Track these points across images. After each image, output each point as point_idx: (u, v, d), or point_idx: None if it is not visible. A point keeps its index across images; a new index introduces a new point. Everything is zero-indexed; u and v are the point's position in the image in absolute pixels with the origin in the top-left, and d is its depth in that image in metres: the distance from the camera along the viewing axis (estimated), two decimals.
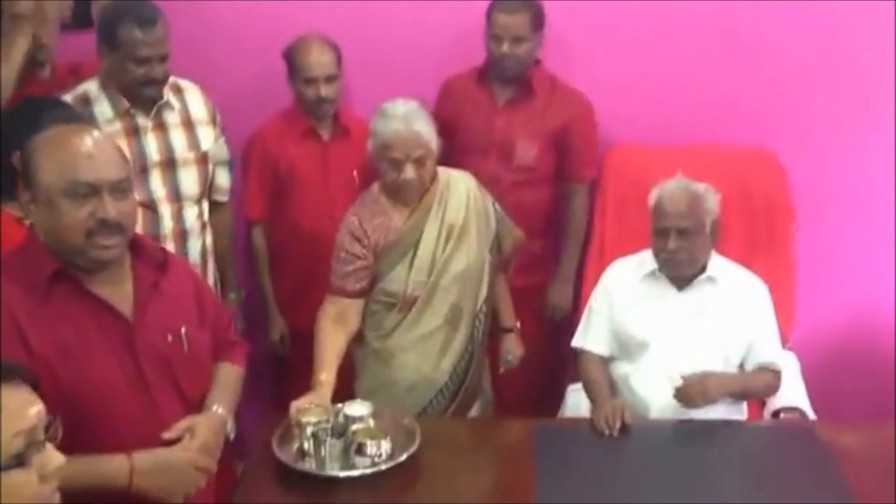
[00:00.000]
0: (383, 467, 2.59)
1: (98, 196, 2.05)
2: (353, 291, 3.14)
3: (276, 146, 3.67)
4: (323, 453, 2.59)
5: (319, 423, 2.64)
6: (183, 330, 2.25)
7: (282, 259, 3.79)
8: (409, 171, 3.03)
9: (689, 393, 2.93)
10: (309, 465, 2.62)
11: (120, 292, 2.17)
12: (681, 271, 3.11)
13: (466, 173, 3.28)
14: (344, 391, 3.04)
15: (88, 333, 2.10)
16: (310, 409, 2.71)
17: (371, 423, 2.69)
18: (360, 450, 2.60)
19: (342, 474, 2.59)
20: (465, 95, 3.76)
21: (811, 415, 3.31)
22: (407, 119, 3.03)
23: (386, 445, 2.62)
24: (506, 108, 3.72)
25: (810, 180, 3.93)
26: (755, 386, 3.18)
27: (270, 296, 3.80)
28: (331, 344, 3.07)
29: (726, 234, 3.34)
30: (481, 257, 3.22)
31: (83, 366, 2.07)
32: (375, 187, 3.18)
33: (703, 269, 3.12)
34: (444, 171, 3.21)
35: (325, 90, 3.57)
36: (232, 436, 2.43)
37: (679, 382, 2.96)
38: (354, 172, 3.65)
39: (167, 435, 2.17)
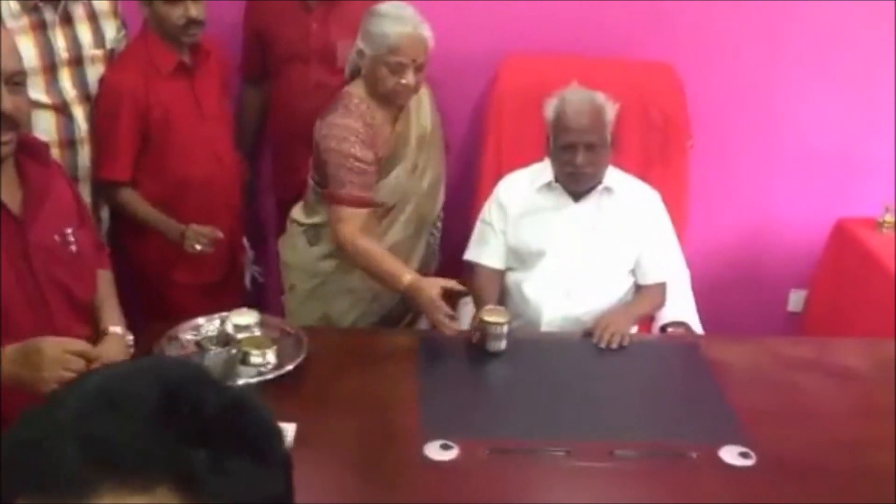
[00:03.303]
0: (269, 377, 2.56)
1: None
2: (370, 200, 3.00)
3: (143, 92, 3.16)
4: (207, 362, 2.55)
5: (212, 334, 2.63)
6: (69, 230, 2.21)
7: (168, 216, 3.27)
8: (411, 77, 2.93)
9: (604, 336, 2.92)
10: None
11: (9, 190, 2.10)
12: (586, 185, 3.11)
13: (426, 86, 3.20)
14: None
15: None
16: (242, 311, 2.69)
17: (257, 332, 2.66)
18: (245, 359, 2.57)
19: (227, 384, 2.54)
20: (274, 5, 3.59)
21: (698, 329, 3.36)
22: (416, 23, 2.92)
23: (272, 355, 2.60)
24: (319, 9, 3.54)
25: (707, 96, 3.94)
26: (651, 307, 3.24)
27: (162, 217, 3.24)
28: (383, 253, 2.97)
29: (623, 148, 3.35)
30: (440, 169, 3.23)
31: None
32: (354, 93, 3.01)
33: (599, 180, 3.13)
34: None
35: (195, 9, 3.12)
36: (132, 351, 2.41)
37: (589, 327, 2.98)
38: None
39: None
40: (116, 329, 2.36)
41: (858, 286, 3.68)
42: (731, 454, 2.38)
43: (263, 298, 3.72)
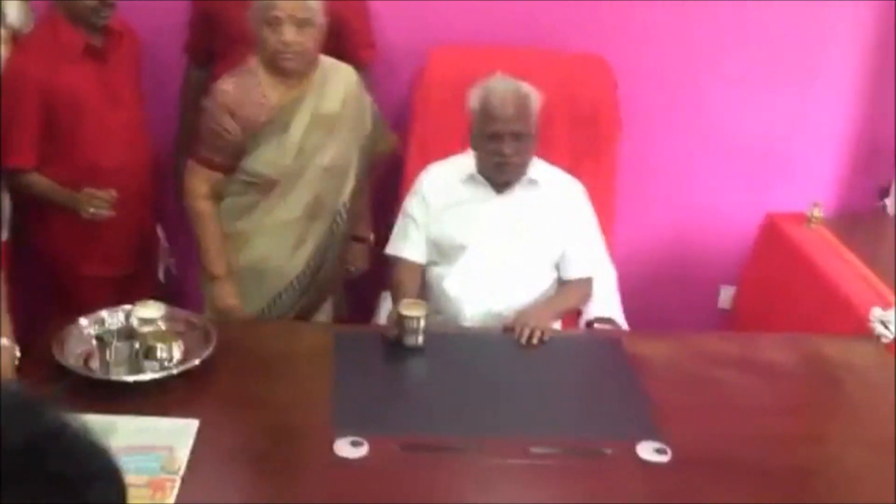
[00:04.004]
0: (174, 372, 2.46)
1: None
2: (221, 165, 3.02)
3: (48, 76, 3.05)
4: (108, 357, 2.45)
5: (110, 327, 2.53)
6: None
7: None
8: (289, 33, 2.88)
9: (524, 332, 2.85)
10: (103, 372, 2.46)
11: None
12: (512, 176, 3.05)
13: (350, 68, 3.15)
14: None
15: None
16: (148, 304, 2.59)
17: (162, 325, 2.55)
18: (149, 353, 2.47)
19: (129, 379, 2.43)
20: None
21: (624, 325, 3.33)
22: None
23: (177, 349, 2.51)
24: None
25: (639, 90, 3.90)
26: (574, 302, 3.19)
27: (58, 188, 3.13)
28: (216, 232, 3.05)
29: (551, 140, 3.30)
30: (349, 154, 3.12)
31: None
32: (253, 60, 3.01)
33: (524, 172, 3.07)
34: (326, 59, 3.08)
35: None
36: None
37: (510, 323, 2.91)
38: None
39: None
40: (3, 341, 2.25)
41: (786, 282, 3.66)
42: (647, 450, 2.33)
43: (180, 292, 3.61)
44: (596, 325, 3.26)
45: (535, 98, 3.00)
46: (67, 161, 3.13)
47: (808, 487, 2.26)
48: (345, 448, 2.27)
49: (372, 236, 3.40)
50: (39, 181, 3.12)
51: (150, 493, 2.05)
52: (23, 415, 0.72)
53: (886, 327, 2.86)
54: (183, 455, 2.18)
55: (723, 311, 4.26)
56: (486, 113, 2.97)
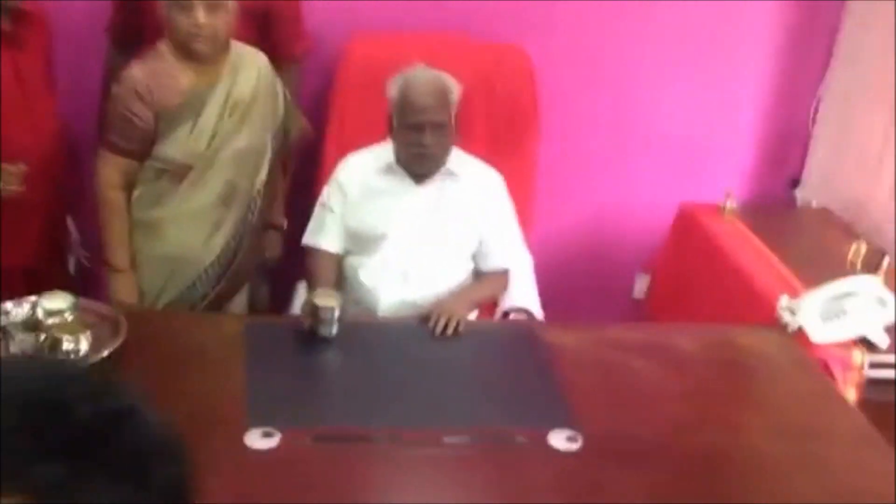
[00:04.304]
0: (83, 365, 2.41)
1: None
2: (133, 152, 2.99)
3: None
4: (12, 349, 2.39)
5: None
6: None
7: None
8: (201, 16, 2.83)
9: (439, 321, 2.84)
10: None
11: None
12: (431, 167, 3.04)
13: (260, 53, 3.11)
14: None
15: None
16: (55, 295, 2.52)
17: (69, 317, 2.50)
18: (55, 346, 2.41)
19: None
20: None
21: (540, 316, 3.34)
22: None
23: (85, 341, 2.45)
24: None
25: (558, 80, 3.93)
26: (490, 293, 3.20)
27: None
28: (122, 224, 3.03)
29: (469, 131, 3.31)
30: (263, 139, 3.10)
31: None
32: (162, 45, 2.97)
33: (443, 163, 3.07)
34: (237, 45, 3.05)
35: None
36: None
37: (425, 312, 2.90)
38: None
39: None
40: None
41: (698, 271, 3.70)
42: (558, 439, 2.34)
43: (92, 284, 3.53)
44: (512, 316, 3.28)
45: (455, 89, 3.00)
46: None
47: (716, 473, 2.30)
48: (256, 439, 2.26)
49: (285, 223, 3.38)
50: None
51: None
52: (92, 391, 0.72)
53: (793, 316, 2.90)
54: None
55: (637, 301, 4.31)
56: (406, 103, 2.96)
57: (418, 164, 3.03)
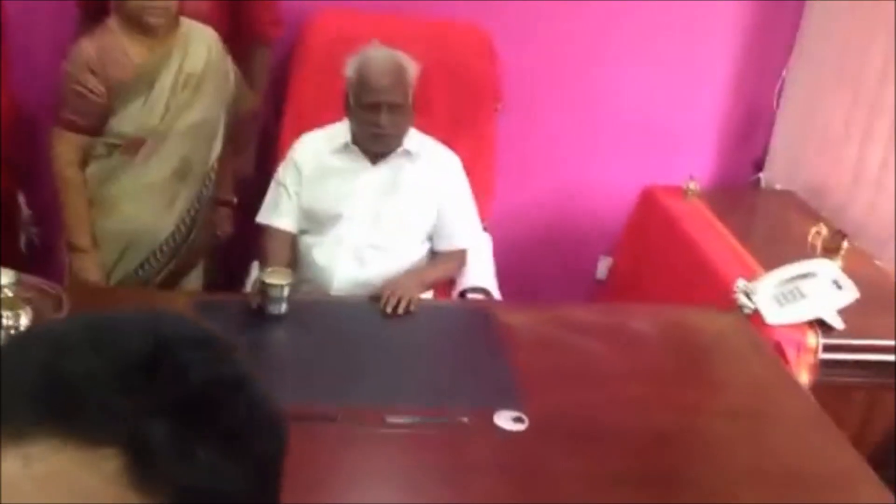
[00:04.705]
0: None
1: None
2: (87, 127, 2.97)
3: None
4: None
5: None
6: None
7: None
8: None
9: (391, 300, 2.81)
10: None
11: None
12: (388, 147, 3.01)
13: (210, 29, 3.09)
14: None
15: None
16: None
17: (9, 292, 2.46)
18: None
19: None
20: None
21: (497, 295, 3.32)
22: None
23: (24, 317, 2.41)
24: None
25: (520, 61, 3.89)
26: (445, 273, 3.17)
27: None
28: (81, 202, 3.01)
29: (429, 110, 3.28)
30: (216, 114, 3.09)
31: None
32: (111, 20, 2.95)
33: (399, 143, 3.04)
34: (186, 21, 3.03)
35: None
36: None
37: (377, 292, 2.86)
38: None
39: None
40: None
41: (660, 253, 3.68)
42: (504, 419, 2.32)
43: (43, 262, 3.48)
44: (469, 296, 3.25)
45: (412, 69, 2.97)
46: None
47: (663, 453, 2.27)
48: None
49: (235, 200, 3.36)
50: None
51: None
52: (212, 356, 0.70)
53: (749, 298, 2.88)
54: None
55: (600, 282, 4.28)
56: (363, 83, 2.92)
57: (374, 143, 3.00)
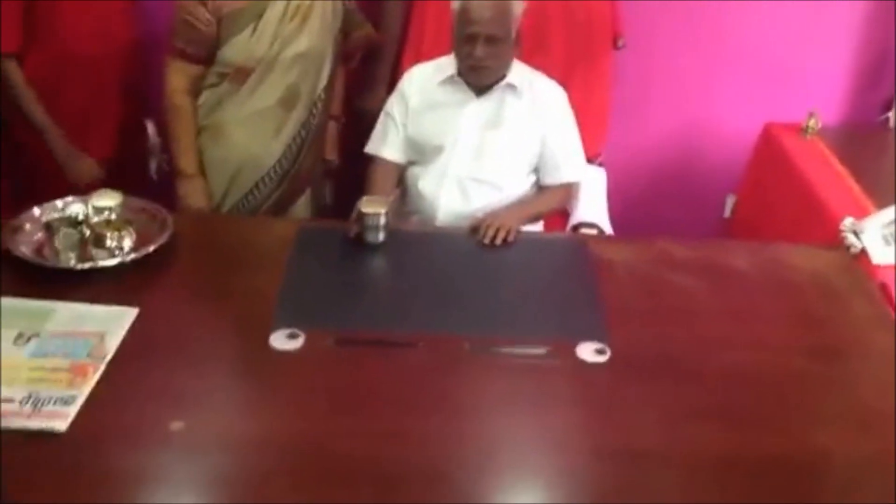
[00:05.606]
0: (123, 260, 2.49)
1: None
2: (197, 56, 3.06)
3: None
4: (56, 244, 2.49)
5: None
6: None
7: (50, 97, 3.22)
8: None
9: (489, 232, 2.84)
10: (53, 260, 2.49)
11: None
12: (485, 79, 3.03)
13: None
14: None
15: None
16: (104, 193, 2.63)
17: (114, 215, 2.58)
18: (99, 242, 2.50)
19: (78, 266, 2.47)
20: None
21: (609, 230, 3.31)
22: None
23: (128, 238, 2.53)
24: None
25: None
26: (548, 206, 3.17)
27: (55, 131, 3.24)
28: (189, 128, 3.12)
29: (544, 47, 3.26)
30: (323, 42, 3.15)
31: None
32: None
33: (503, 76, 3.04)
34: None
35: None
36: None
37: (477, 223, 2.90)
38: None
39: None
40: None
41: (777, 191, 3.59)
42: (587, 351, 2.32)
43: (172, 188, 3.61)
44: (582, 230, 3.24)
45: (517, 3, 2.96)
46: (43, 49, 3.16)
47: (743, 391, 2.22)
48: (280, 340, 2.30)
49: (343, 118, 3.43)
50: (25, 98, 3.16)
51: (69, 378, 2.07)
52: None
53: (857, 237, 2.80)
54: (114, 342, 2.20)
55: (727, 221, 4.20)
56: (464, 15, 2.94)
57: (471, 75, 3.02)
